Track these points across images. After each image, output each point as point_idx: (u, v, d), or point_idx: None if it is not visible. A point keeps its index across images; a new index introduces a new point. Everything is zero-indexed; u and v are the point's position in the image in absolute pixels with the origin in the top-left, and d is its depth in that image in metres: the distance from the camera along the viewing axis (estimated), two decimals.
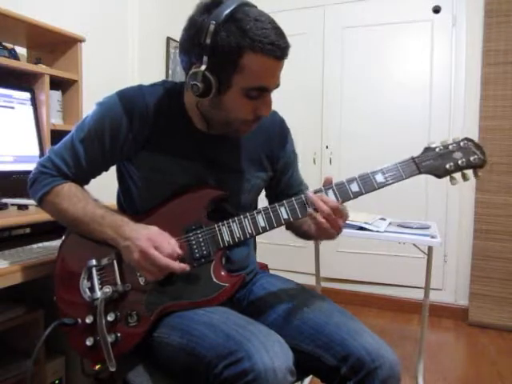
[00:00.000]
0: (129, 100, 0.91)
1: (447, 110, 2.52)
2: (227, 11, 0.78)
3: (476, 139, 0.86)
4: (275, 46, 0.79)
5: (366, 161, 2.66)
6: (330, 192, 0.87)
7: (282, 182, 1.09)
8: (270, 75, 0.83)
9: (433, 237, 1.48)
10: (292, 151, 1.10)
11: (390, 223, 1.66)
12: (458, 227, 2.53)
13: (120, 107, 0.90)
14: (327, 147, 2.81)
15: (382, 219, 1.67)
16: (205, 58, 0.80)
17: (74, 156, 0.93)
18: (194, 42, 0.81)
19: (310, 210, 0.85)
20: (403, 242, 1.51)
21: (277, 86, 0.87)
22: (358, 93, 2.72)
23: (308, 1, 2.82)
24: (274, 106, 0.88)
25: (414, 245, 1.52)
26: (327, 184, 0.87)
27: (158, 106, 0.92)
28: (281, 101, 0.88)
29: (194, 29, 0.81)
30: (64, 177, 0.94)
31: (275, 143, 1.05)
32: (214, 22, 0.77)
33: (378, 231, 1.52)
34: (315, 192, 0.87)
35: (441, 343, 2.25)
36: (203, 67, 0.80)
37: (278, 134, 1.06)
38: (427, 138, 2.55)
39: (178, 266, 0.83)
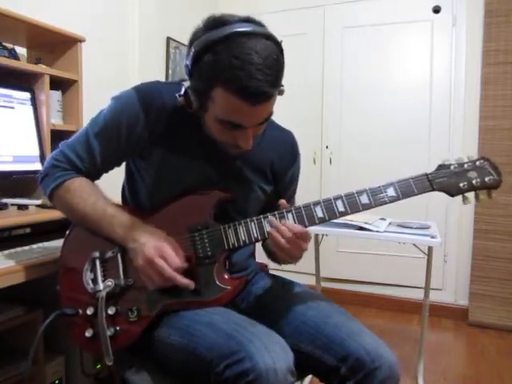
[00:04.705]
0: (146, 95, 0.89)
1: (447, 110, 2.51)
2: (211, 39, 0.75)
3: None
4: (247, 91, 0.74)
5: (366, 161, 2.68)
6: (339, 201, 0.86)
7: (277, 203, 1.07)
8: (242, 116, 0.79)
9: (433, 237, 1.47)
10: (296, 176, 1.08)
11: (389, 223, 1.65)
12: (458, 227, 2.53)
13: (137, 102, 0.88)
14: (327, 147, 2.81)
15: (382, 219, 1.67)
16: (189, 77, 0.81)
17: (88, 150, 0.91)
18: (186, 59, 0.82)
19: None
20: (403, 242, 1.51)
21: (262, 121, 0.83)
22: (358, 93, 2.72)
23: (308, 1, 2.82)
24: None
25: (414, 245, 1.52)
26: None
27: (174, 105, 0.90)
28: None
29: (188, 46, 0.82)
30: (77, 171, 0.92)
31: (284, 161, 1.03)
32: (194, 49, 0.77)
33: (377, 231, 1.52)
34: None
35: (441, 343, 2.25)
36: (187, 84, 0.82)
37: (289, 154, 1.04)
38: (427, 139, 2.56)
39: (182, 281, 0.82)
